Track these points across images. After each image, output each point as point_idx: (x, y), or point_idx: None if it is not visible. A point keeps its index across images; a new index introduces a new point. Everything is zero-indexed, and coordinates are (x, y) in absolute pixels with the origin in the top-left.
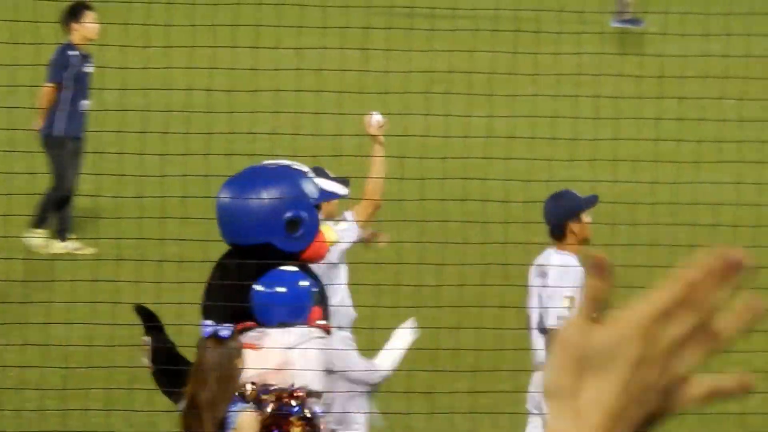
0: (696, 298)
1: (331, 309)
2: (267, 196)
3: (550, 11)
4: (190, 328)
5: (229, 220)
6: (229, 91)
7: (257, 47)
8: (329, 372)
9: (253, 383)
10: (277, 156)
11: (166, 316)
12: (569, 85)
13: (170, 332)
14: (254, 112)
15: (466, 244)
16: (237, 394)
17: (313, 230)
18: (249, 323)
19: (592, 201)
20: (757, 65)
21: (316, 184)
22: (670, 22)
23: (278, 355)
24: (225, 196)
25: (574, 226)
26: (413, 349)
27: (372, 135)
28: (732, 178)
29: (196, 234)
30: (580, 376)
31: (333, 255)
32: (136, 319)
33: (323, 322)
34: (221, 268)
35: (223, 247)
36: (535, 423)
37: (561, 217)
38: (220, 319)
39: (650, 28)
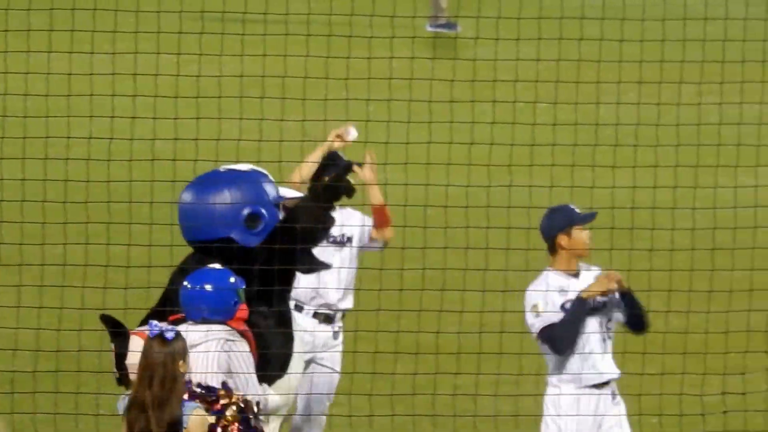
0: None
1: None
2: (229, 193)
3: (362, 15)
4: (27, 332)
5: (191, 218)
6: (44, 95)
7: (72, 52)
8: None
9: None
10: (92, 161)
11: (5, 319)
12: (382, 89)
13: (7, 335)
14: (69, 116)
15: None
16: (185, 395)
17: (272, 227)
18: (179, 316)
19: (586, 218)
20: (568, 69)
21: (275, 186)
22: (482, 27)
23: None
24: (187, 197)
25: (562, 240)
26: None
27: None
28: (545, 182)
29: (11, 238)
30: None
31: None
32: None
33: (242, 325)
34: (184, 272)
35: (34, 251)
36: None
37: (550, 231)
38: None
39: (464, 32)
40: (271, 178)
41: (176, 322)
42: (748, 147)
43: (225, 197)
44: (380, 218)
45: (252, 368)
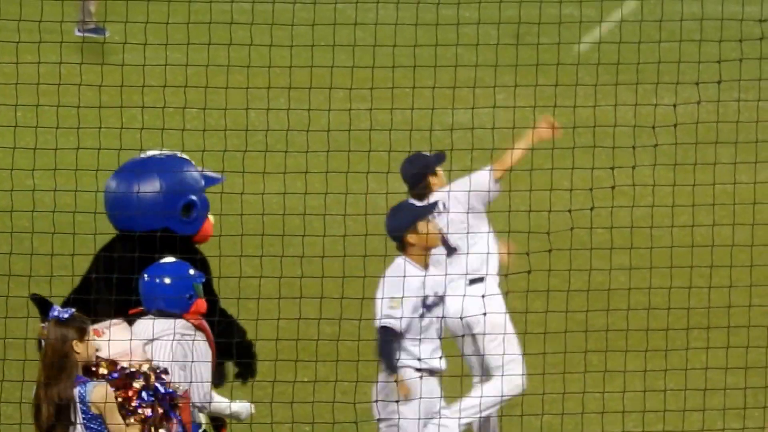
0: None
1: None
2: (161, 183)
3: (9, 20)
4: None
5: (123, 208)
6: None
7: None
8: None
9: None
10: None
11: None
12: (30, 95)
13: None
14: None
15: None
16: (85, 373)
17: (204, 214)
18: (138, 309)
19: (428, 210)
20: (217, 74)
21: (200, 172)
22: (131, 32)
23: (119, 346)
24: (117, 186)
25: (411, 238)
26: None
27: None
28: None
29: None
30: None
31: (479, 203)
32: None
33: (198, 319)
34: (107, 259)
35: None
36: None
37: (398, 230)
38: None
39: (112, 37)
40: (194, 163)
41: (137, 315)
42: (400, 153)
43: (158, 186)
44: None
45: (205, 366)
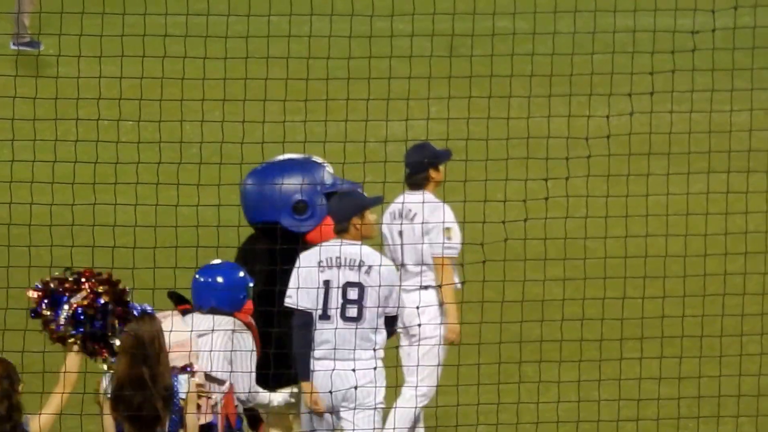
0: None
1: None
2: (282, 180)
3: None
4: None
5: (249, 202)
6: None
7: None
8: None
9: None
10: None
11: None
12: None
13: None
14: None
15: None
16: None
17: (320, 215)
18: (186, 306)
19: (375, 201)
20: (151, 86)
21: (331, 175)
22: (65, 44)
23: (176, 336)
24: (248, 179)
25: (356, 222)
26: None
27: None
28: (129, 200)
29: None
30: None
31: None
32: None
33: (247, 318)
34: (246, 252)
35: None
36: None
37: (346, 216)
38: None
39: (47, 50)
40: (327, 167)
41: (184, 312)
42: (335, 164)
43: (277, 183)
44: None
45: (251, 361)
